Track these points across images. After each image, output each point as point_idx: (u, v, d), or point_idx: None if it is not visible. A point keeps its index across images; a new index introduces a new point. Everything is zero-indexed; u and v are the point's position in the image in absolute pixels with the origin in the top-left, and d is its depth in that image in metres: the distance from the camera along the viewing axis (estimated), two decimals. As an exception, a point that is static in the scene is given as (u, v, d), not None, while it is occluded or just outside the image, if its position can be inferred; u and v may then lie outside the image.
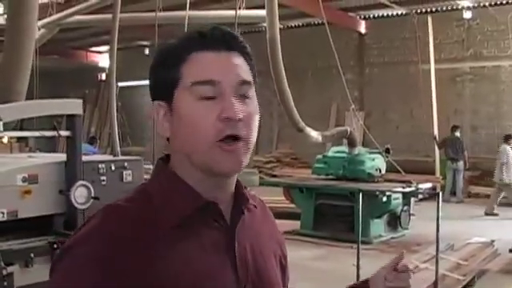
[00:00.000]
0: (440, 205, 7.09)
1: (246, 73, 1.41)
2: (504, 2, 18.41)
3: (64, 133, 5.38)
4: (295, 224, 12.15)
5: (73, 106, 5.44)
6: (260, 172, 19.49)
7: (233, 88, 1.36)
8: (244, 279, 1.40)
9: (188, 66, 1.36)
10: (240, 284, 1.39)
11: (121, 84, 25.53)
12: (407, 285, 1.65)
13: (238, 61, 1.40)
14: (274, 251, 1.59)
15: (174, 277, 1.30)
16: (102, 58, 27.39)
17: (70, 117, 5.40)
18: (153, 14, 9.80)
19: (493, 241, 9.87)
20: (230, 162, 1.35)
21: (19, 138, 12.23)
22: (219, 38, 1.39)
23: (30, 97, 9.60)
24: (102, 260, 1.27)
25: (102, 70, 27.15)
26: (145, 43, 24.58)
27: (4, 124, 4.90)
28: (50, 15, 13.92)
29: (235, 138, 1.34)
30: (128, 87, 26.10)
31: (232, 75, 1.37)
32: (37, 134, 5.58)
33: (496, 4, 18.59)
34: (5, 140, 9.65)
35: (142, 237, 1.31)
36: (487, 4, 18.55)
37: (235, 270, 1.39)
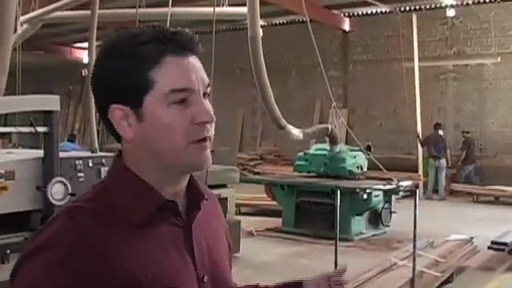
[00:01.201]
0: (417, 202, 7.13)
1: (205, 74, 1.42)
2: (487, 0, 18.52)
3: (41, 129, 5.37)
4: (277, 221, 12.17)
5: (50, 102, 5.43)
6: (244, 169, 19.51)
7: (201, 91, 1.38)
8: (201, 272, 1.44)
9: (162, 71, 1.34)
10: (199, 278, 1.43)
11: (104, 80, 25.56)
12: None
13: (199, 63, 1.42)
14: (223, 241, 1.62)
15: (139, 275, 1.31)
16: (85, 54, 27.08)
17: (47, 113, 5.39)
18: (134, 10, 9.80)
19: (472, 238, 9.93)
20: (205, 157, 1.39)
21: (2, 135, 12.18)
22: (187, 43, 1.39)
23: (12, 93, 9.59)
24: (65, 264, 1.25)
25: (86, 66, 26.97)
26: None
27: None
28: (33, 10, 13.85)
29: (206, 138, 1.38)
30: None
31: (201, 80, 1.39)
32: (13, 129, 5.57)
33: (479, 2, 18.74)
34: (-14, 137, 9.66)
35: (105, 238, 1.30)
36: (470, 2, 18.71)
37: (194, 264, 1.43)
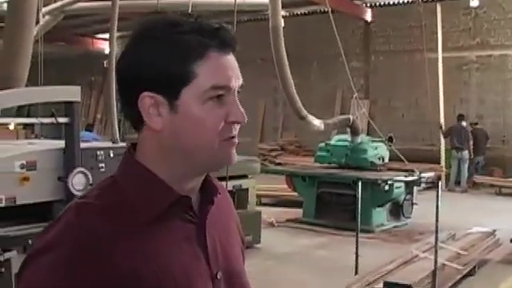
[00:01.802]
0: (440, 194, 7.07)
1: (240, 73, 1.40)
2: (511, -10, 18.32)
3: (62, 119, 5.38)
4: (298, 212, 12.16)
5: (71, 92, 5.44)
6: (265, 160, 19.50)
7: (236, 90, 1.36)
8: (215, 269, 1.41)
9: (205, 66, 1.31)
10: (212, 274, 1.40)
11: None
12: None
13: (236, 63, 1.39)
14: (236, 236, 1.59)
15: (154, 273, 1.28)
16: (107, 44, 27.35)
17: (68, 104, 5.40)
18: (155, 0, 9.81)
19: (494, 230, 9.84)
20: (233, 154, 1.38)
21: (25, 125, 12.27)
22: (230, 40, 1.36)
23: (35, 84, 9.64)
24: (70, 265, 1.23)
25: (108, 56, 27.14)
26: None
27: (7, 110, 4.90)
28: (55, 1, 13.92)
29: (234, 136, 1.37)
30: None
31: (238, 79, 1.36)
32: (35, 120, 5.59)
33: (503, -8, 18.51)
34: (11, 127, 9.73)
35: (113, 236, 1.27)
36: (494, -8, 18.49)
37: (207, 261, 1.40)
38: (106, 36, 26.97)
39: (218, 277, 1.41)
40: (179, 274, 1.32)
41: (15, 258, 4.91)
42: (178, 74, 1.30)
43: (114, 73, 7.34)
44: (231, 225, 1.58)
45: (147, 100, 1.30)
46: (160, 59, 1.30)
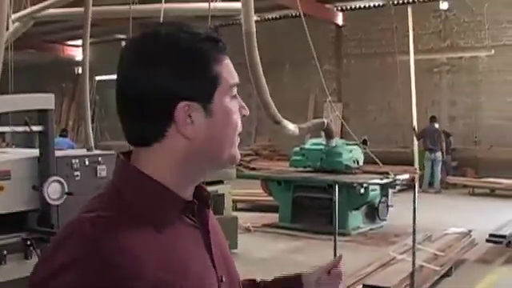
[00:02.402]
0: (416, 196, 7.10)
1: None
2: (480, -8, 18.50)
3: (36, 128, 5.31)
4: (274, 217, 12.15)
5: (45, 100, 5.37)
6: (239, 165, 19.42)
7: None
8: (220, 273, 1.44)
9: (223, 67, 1.39)
10: (218, 277, 1.43)
11: (98, 78, 25.37)
12: None
13: None
14: (224, 238, 1.61)
15: (177, 281, 1.29)
16: (78, 51, 27.01)
17: (42, 111, 5.33)
18: (127, 7, 9.73)
19: (470, 231, 9.92)
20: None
21: (-4, 134, 12.10)
22: (224, 43, 1.43)
23: (5, 91, 9.52)
24: (100, 281, 1.20)
25: (79, 63, 26.74)
26: (122, 36, 24.37)
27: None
28: (25, 8, 13.74)
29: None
30: (106, 81, 25.89)
31: None
32: (7, 129, 5.50)
33: (472, -5, 18.69)
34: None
35: (138, 247, 1.26)
36: (464, -5, 18.65)
37: (213, 265, 1.42)
38: (77, 43, 26.85)
39: (224, 280, 1.44)
40: (196, 281, 1.34)
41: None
42: (210, 79, 1.36)
43: (87, 79, 7.30)
44: (219, 226, 1.59)
45: (183, 110, 1.33)
46: (192, 69, 1.34)
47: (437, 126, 17.36)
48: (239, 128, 1.43)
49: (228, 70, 1.40)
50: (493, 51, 17.87)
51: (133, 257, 1.23)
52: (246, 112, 1.46)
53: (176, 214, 1.36)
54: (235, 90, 1.42)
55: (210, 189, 1.61)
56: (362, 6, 20.82)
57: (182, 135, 1.34)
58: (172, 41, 1.35)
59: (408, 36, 17.74)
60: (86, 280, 1.20)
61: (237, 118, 1.42)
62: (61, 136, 14.60)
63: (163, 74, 1.32)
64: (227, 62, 1.41)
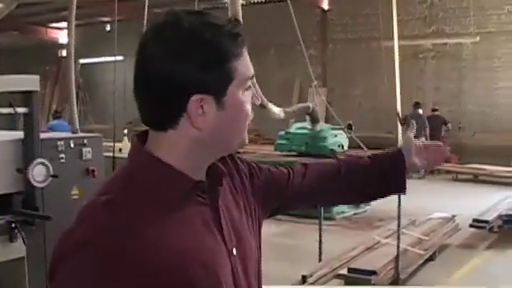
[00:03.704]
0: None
1: None
2: (466, -21, 18.52)
3: (21, 109, 5.24)
4: (259, 201, 12.14)
5: (30, 82, 5.30)
6: (224, 149, 19.42)
7: None
8: (230, 246, 1.48)
9: (241, 62, 1.42)
10: (228, 252, 1.47)
11: (82, 61, 25.20)
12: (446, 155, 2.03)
13: None
14: (244, 205, 1.64)
15: (180, 262, 1.33)
16: (61, 34, 26.96)
17: (27, 93, 5.26)
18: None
19: (453, 216, 9.99)
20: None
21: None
22: (244, 35, 1.46)
23: (-13, 73, 9.41)
24: (109, 264, 1.25)
25: (62, 46, 26.66)
26: (106, 19, 24.21)
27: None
28: (8, -10, 13.59)
29: None
30: (89, 64, 25.74)
31: None
32: (-9, 110, 5.43)
33: (458, -19, 18.71)
34: (-37, 118, 9.49)
35: (155, 228, 1.32)
36: (449, -19, 18.67)
37: (223, 239, 1.47)
38: (60, 25, 26.64)
39: (234, 253, 1.49)
40: (207, 258, 1.39)
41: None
42: (226, 74, 1.39)
43: (72, 62, 7.22)
44: (239, 194, 1.64)
45: (196, 102, 1.36)
46: (211, 63, 1.37)
47: (421, 111, 17.42)
48: (251, 116, 1.48)
49: (245, 64, 1.43)
50: (478, 38, 17.90)
51: (143, 237, 1.29)
52: (258, 102, 1.50)
53: (185, 194, 1.41)
54: (250, 82, 1.45)
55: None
56: (348, -10, 20.78)
57: (192, 125, 1.38)
58: (195, 33, 1.37)
59: (393, 21, 17.71)
60: (98, 261, 1.25)
61: (249, 108, 1.46)
62: (56, 117, 14.33)
63: (183, 66, 1.35)
64: (245, 54, 1.44)
